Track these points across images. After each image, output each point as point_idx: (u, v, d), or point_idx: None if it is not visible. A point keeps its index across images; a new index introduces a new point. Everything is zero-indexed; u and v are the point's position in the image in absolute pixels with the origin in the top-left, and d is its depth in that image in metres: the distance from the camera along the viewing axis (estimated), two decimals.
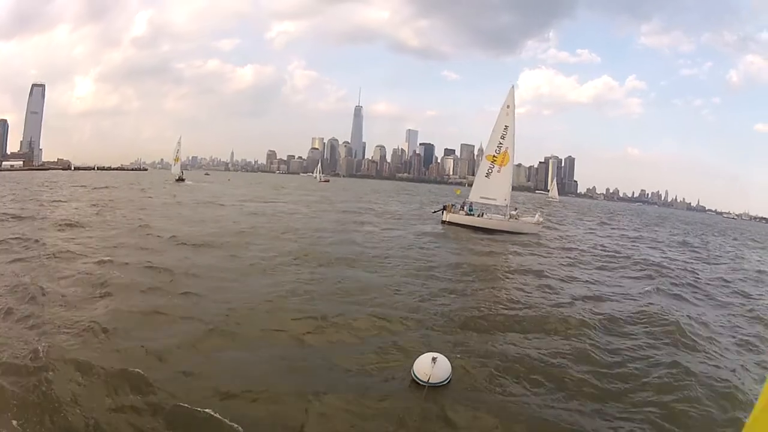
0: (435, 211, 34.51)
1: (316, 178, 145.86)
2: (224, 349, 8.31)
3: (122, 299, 10.52)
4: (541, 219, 33.23)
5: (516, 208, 33.07)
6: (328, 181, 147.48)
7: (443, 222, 31.00)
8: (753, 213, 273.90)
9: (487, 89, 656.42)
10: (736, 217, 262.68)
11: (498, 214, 32.26)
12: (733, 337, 11.51)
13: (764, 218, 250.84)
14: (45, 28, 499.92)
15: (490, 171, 31.41)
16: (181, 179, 78.74)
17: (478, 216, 31.39)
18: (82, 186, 56.96)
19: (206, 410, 6.18)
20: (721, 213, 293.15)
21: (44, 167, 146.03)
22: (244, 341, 8.71)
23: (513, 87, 32.06)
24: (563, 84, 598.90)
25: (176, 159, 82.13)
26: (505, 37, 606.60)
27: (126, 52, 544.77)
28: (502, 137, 31.30)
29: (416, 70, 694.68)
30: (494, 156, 31.44)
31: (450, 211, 31.38)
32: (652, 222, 72.52)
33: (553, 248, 25.37)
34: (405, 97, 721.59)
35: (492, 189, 31.25)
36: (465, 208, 31.84)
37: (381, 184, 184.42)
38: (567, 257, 22.41)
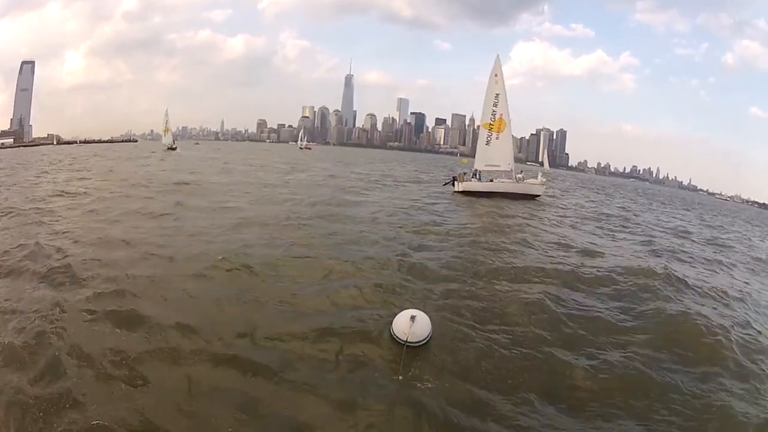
0: (445, 184, 34.89)
1: (298, 146, 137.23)
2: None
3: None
4: (543, 180, 34.60)
5: (521, 171, 33.90)
6: (309, 148, 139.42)
7: (455, 192, 31.53)
8: (745, 196, 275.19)
9: (479, 60, 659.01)
10: (728, 198, 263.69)
11: (505, 178, 32.97)
12: None
13: (756, 202, 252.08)
14: (36, 5, 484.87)
15: (489, 138, 32.30)
16: (172, 148, 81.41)
17: (489, 182, 32.21)
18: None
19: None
20: (713, 194, 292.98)
21: (34, 143, 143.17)
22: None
23: (498, 56, 32.83)
24: (557, 57, 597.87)
25: (166, 130, 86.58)
26: (499, 9, 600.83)
27: (117, 25, 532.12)
28: (495, 105, 32.19)
29: (408, 41, 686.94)
30: (490, 124, 32.21)
31: (462, 180, 31.90)
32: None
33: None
34: (397, 67, 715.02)
35: (494, 155, 32.18)
36: (477, 175, 32.47)
37: (371, 153, 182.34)
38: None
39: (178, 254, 11.18)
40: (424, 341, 7.23)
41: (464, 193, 30.93)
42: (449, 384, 6.35)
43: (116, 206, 17.92)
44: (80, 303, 8.02)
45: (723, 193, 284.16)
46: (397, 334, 7.23)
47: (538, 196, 33.27)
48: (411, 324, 7.17)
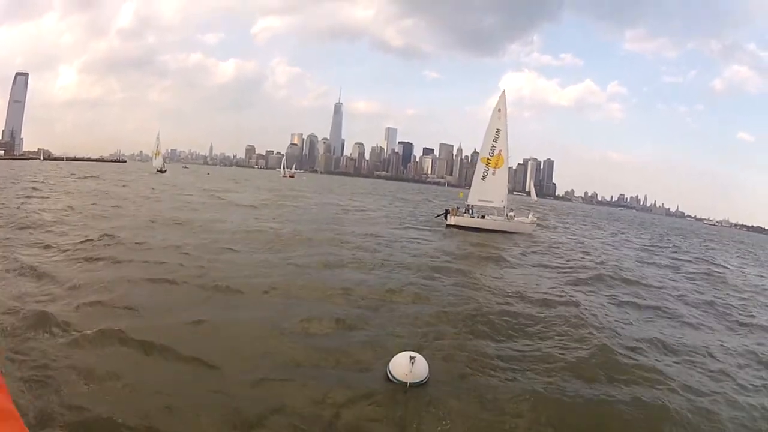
0: (437, 216, 34.40)
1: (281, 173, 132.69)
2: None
3: None
4: (534, 219, 34.07)
5: (512, 209, 33.44)
6: (292, 176, 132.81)
7: (448, 226, 30.93)
8: (733, 220, 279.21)
9: (468, 90, 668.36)
10: (716, 223, 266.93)
11: (496, 215, 32.59)
12: None
13: (745, 225, 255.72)
14: (33, 15, 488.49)
15: (485, 174, 31.91)
16: (161, 171, 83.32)
17: (480, 218, 31.75)
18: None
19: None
20: (701, 219, 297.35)
21: (24, 157, 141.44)
22: None
23: (504, 92, 33.04)
24: (545, 87, 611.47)
25: (156, 153, 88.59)
26: (488, 39, 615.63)
27: (112, 42, 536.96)
28: (495, 140, 31.95)
29: (398, 69, 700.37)
30: (488, 158, 31.95)
31: (454, 215, 31.44)
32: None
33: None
34: (386, 96, 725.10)
35: (489, 191, 31.78)
36: (470, 211, 32.10)
37: (357, 182, 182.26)
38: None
39: None
40: (424, 382, 7.27)
41: (456, 227, 30.41)
42: (455, 422, 6.40)
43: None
44: None
45: (711, 219, 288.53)
46: (396, 376, 7.23)
47: (529, 234, 32.31)
48: (411, 365, 7.16)
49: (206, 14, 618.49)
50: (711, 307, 15.52)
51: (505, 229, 31.04)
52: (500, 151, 31.90)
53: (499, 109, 32.24)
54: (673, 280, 20.70)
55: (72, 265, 12.54)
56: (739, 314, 15.18)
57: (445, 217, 32.01)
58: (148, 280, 11.49)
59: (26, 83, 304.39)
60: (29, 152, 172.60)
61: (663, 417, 7.09)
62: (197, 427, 5.87)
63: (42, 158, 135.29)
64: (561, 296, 14.01)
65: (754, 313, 15.68)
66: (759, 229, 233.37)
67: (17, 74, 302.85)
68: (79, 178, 53.45)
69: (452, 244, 24.35)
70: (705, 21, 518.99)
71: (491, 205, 32.22)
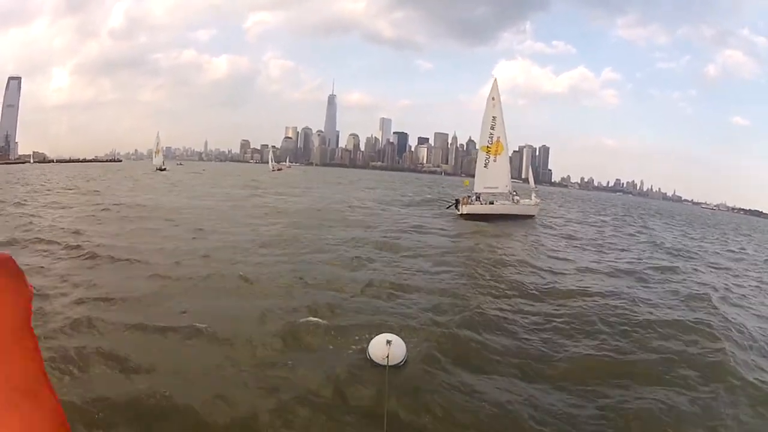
0: (448, 207, 34.61)
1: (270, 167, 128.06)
2: None
3: None
4: (538, 200, 35.25)
5: (515, 191, 34.10)
6: (280, 169, 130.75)
7: (461, 215, 31.09)
8: (731, 204, 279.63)
9: (461, 79, 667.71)
10: (714, 207, 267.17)
11: (503, 200, 32.94)
12: None
13: (743, 209, 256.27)
14: (24, 21, 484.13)
15: (487, 161, 32.34)
16: (161, 169, 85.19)
17: (489, 204, 32.09)
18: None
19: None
20: (698, 203, 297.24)
21: (20, 161, 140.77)
22: None
23: (495, 80, 33.72)
24: (539, 74, 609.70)
25: (157, 151, 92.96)
26: (481, 28, 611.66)
27: (103, 43, 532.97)
28: (492, 128, 32.39)
29: (391, 60, 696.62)
30: (488, 147, 32.31)
31: (466, 203, 31.59)
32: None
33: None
34: (379, 87, 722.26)
35: (492, 178, 32.22)
36: (480, 198, 32.42)
37: (352, 173, 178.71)
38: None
39: None
40: (401, 363, 7.51)
41: (469, 215, 30.52)
42: (429, 403, 6.56)
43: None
44: None
45: (708, 203, 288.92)
46: (374, 358, 7.49)
47: (533, 216, 33.73)
48: (388, 347, 7.39)
49: (197, 11, 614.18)
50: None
51: (514, 213, 31.69)
52: (498, 137, 32.33)
53: (493, 98, 32.75)
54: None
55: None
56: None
57: (456, 207, 32.23)
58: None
59: (19, 87, 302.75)
60: (24, 156, 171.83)
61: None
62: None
63: (33, 161, 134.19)
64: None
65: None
66: (757, 213, 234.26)
67: (10, 78, 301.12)
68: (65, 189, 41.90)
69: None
70: (695, 7, 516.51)
71: (496, 191, 32.68)
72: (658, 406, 6.83)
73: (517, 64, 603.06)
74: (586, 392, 7.25)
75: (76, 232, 17.28)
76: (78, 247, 14.70)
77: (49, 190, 38.39)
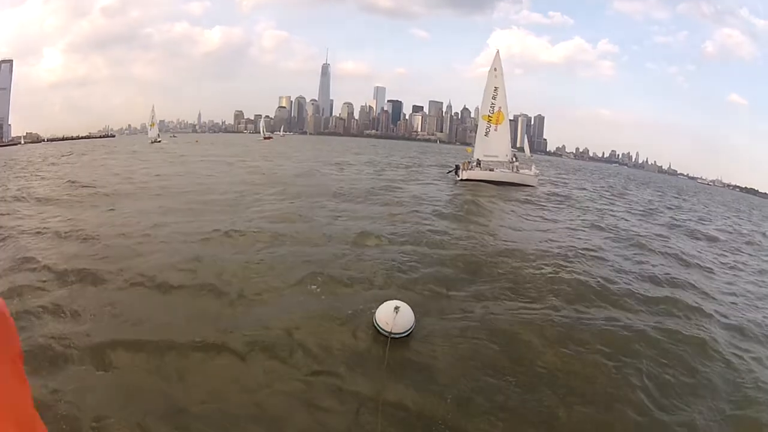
0: (449, 172, 35.82)
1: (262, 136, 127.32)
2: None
3: None
4: (537, 171, 36.18)
5: (516, 158, 35.26)
6: (270, 138, 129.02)
7: (461, 180, 32.27)
8: (726, 180, 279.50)
9: (457, 47, 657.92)
10: (710, 183, 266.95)
11: (503, 167, 34.11)
12: None
13: (738, 186, 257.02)
14: (17, 2, 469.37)
15: (488, 130, 33.63)
16: (157, 141, 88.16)
17: (489, 170, 33.18)
18: None
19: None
20: (694, 178, 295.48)
21: (13, 143, 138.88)
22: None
23: (498, 51, 34.37)
24: (535, 44, 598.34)
25: (152, 125, 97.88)
26: None
27: (95, 21, 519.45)
28: (494, 98, 33.54)
29: (386, 29, 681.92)
30: (489, 116, 33.59)
31: (466, 169, 32.79)
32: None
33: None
34: (374, 56, 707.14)
35: (493, 146, 33.52)
36: (480, 165, 33.57)
37: (345, 141, 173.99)
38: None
39: None
40: (408, 333, 7.15)
41: (468, 180, 31.80)
42: (433, 376, 6.30)
43: None
44: None
45: (705, 177, 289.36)
46: (381, 326, 7.13)
47: (533, 186, 34.56)
48: (395, 315, 7.06)
49: None
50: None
51: (513, 181, 32.56)
52: (500, 108, 33.50)
53: (495, 69, 33.66)
54: None
55: None
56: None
57: (456, 173, 33.54)
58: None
59: (11, 70, 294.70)
60: (17, 138, 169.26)
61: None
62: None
63: (24, 142, 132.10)
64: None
65: None
66: (752, 191, 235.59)
67: (1, 62, 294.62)
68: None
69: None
70: None
71: (496, 159, 33.80)
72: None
73: (513, 33, 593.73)
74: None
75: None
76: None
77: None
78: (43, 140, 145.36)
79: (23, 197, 19.13)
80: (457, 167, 33.94)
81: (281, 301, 8.32)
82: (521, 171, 34.43)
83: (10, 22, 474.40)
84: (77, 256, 10.50)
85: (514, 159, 34.86)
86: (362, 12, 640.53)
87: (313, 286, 8.91)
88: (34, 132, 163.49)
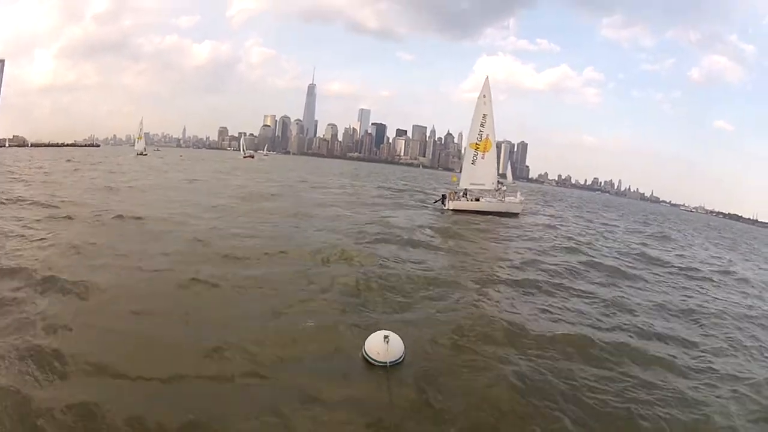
0: (435, 201, 35.04)
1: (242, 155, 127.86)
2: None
3: None
4: (522, 198, 36.35)
5: (503, 184, 35.49)
6: (252, 157, 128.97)
7: (447, 210, 31.77)
8: (709, 207, 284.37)
9: (442, 72, 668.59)
10: (693, 209, 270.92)
11: (488, 196, 34.05)
12: None
13: (722, 213, 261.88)
14: (9, 1, 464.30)
15: (475, 158, 33.08)
16: (143, 154, 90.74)
17: (475, 200, 33.06)
18: None
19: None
20: (676, 205, 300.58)
21: (1, 144, 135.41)
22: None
23: (487, 78, 34.23)
24: (520, 71, 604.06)
25: (139, 137, 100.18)
26: (464, 22, 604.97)
27: (87, 27, 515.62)
28: (482, 125, 33.10)
29: (372, 51, 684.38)
30: (477, 143, 33.12)
31: (453, 199, 32.38)
32: None
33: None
34: (360, 77, 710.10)
35: (479, 174, 33.02)
36: (467, 195, 33.17)
37: (327, 163, 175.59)
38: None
39: None
40: (399, 360, 7.28)
41: (455, 211, 31.40)
42: (429, 399, 6.47)
43: None
44: None
45: (687, 205, 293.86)
46: (372, 356, 7.22)
47: (518, 214, 34.65)
48: (386, 344, 7.16)
49: None
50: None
51: (499, 210, 32.54)
52: (487, 135, 33.11)
53: (484, 95, 33.35)
54: None
55: None
56: None
57: (443, 203, 32.95)
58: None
59: (2, 70, 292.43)
60: (3, 140, 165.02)
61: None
62: None
63: (8, 145, 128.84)
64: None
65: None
66: (735, 217, 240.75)
67: None
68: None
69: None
70: (683, 11, 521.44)
71: (483, 187, 33.52)
72: None
73: (500, 59, 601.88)
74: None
75: None
76: None
77: None
78: (27, 145, 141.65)
79: None
80: (444, 197, 33.42)
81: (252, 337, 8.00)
82: (507, 199, 34.48)
83: (3, 21, 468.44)
84: None
85: (500, 186, 34.78)
86: (349, 33, 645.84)
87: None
88: (20, 135, 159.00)
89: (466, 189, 33.31)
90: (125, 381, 6.35)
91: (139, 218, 17.71)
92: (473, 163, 33.18)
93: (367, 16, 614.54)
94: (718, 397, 7.56)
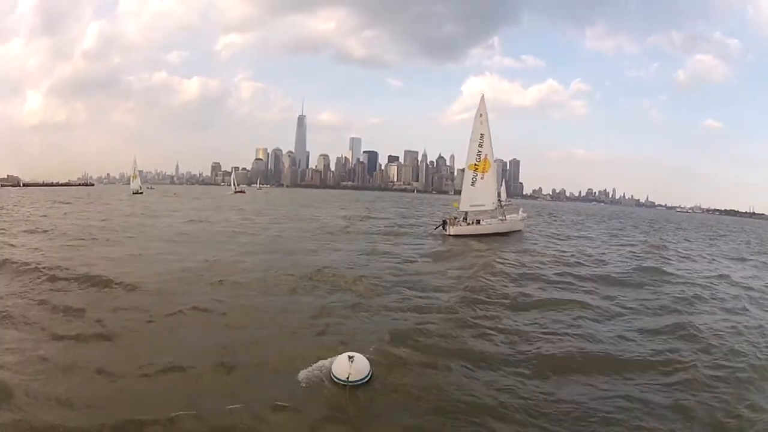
0: (436, 228, 33.52)
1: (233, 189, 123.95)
2: None
3: None
4: (524, 215, 35.68)
5: (503, 203, 34.87)
6: (243, 192, 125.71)
7: (448, 236, 30.64)
8: (705, 206, 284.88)
9: (431, 96, 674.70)
10: (689, 210, 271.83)
11: (488, 217, 33.37)
12: None
13: (717, 210, 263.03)
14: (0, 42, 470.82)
15: (474, 179, 32.14)
16: (138, 192, 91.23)
17: (476, 223, 32.17)
18: None
19: None
20: (672, 208, 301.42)
21: None
22: None
23: (483, 96, 33.30)
24: (508, 89, 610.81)
25: (134, 176, 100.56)
26: (450, 45, 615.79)
27: (77, 65, 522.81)
28: (480, 145, 32.30)
29: (360, 80, 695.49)
30: (476, 164, 32.24)
31: (453, 224, 31.34)
32: None
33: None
34: (349, 106, 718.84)
35: (479, 196, 32.09)
36: (467, 219, 32.22)
37: (321, 194, 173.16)
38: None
39: None
40: (365, 380, 7.39)
41: (456, 236, 30.26)
42: (396, 418, 6.62)
43: None
44: None
45: (683, 206, 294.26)
46: (338, 376, 7.33)
47: (521, 230, 33.96)
48: (350, 364, 7.32)
49: (169, 33, 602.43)
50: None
51: (502, 231, 31.89)
52: (486, 155, 32.33)
53: (480, 114, 32.59)
54: None
55: None
56: None
57: (444, 228, 31.76)
58: None
59: None
60: None
61: None
62: None
63: (1, 186, 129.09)
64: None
65: None
66: (732, 212, 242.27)
67: None
68: None
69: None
70: (664, 14, 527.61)
71: (483, 208, 32.64)
72: None
73: (487, 79, 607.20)
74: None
75: None
76: None
77: None
78: (20, 185, 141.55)
79: None
80: (444, 222, 32.28)
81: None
82: (509, 217, 33.73)
83: None
84: None
85: (500, 204, 34.12)
86: (337, 62, 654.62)
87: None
88: (13, 174, 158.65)
89: (466, 212, 32.38)
90: None
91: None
92: (473, 184, 32.19)
93: (353, 46, 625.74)
94: None
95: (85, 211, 43.24)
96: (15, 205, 49.81)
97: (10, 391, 6.89)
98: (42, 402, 6.71)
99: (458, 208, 32.90)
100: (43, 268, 14.98)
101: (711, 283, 18.74)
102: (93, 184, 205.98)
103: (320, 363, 7.91)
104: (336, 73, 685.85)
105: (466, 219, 32.24)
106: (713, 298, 15.74)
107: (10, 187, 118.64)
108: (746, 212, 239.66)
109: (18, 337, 9.19)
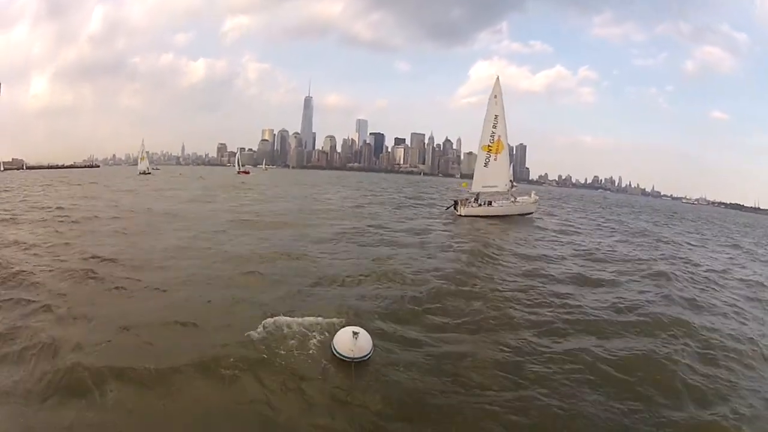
0: (447, 208, 34.25)
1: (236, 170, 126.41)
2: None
3: None
4: (536, 198, 35.64)
5: (515, 185, 35.01)
6: (247, 173, 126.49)
7: (459, 216, 31.02)
8: (711, 198, 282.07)
9: (438, 79, 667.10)
10: (694, 202, 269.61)
11: (501, 199, 33.47)
12: None
13: (723, 203, 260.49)
14: (4, 26, 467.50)
15: (487, 160, 32.37)
16: (146, 173, 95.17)
17: (488, 204, 32.36)
18: None
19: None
20: (678, 198, 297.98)
21: None
22: None
23: (498, 78, 33.25)
24: (515, 74, 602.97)
25: (142, 158, 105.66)
26: (457, 29, 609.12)
27: (82, 49, 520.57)
28: (494, 126, 32.47)
29: (368, 63, 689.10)
30: (489, 146, 32.39)
31: (465, 206, 31.67)
32: None
33: None
34: (356, 89, 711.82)
35: (491, 177, 32.36)
36: (479, 200, 32.45)
37: (323, 174, 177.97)
38: None
39: None
40: (368, 356, 7.40)
41: (467, 217, 30.64)
42: (399, 393, 6.67)
43: None
44: None
45: (689, 197, 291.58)
46: (341, 352, 7.29)
47: (532, 213, 34.14)
48: (354, 341, 7.26)
49: (175, 16, 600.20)
50: None
51: (513, 213, 32.11)
52: (499, 136, 32.46)
53: (495, 96, 32.66)
54: None
55: None
56: None
57: (455, 208, 32.15)
58: None
59: None
60: (3, 163, 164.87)
61: None
62: None
63: (3, 168, 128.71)
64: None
65: None
66: (737, 206, 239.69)
67: None
68: None
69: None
70: (672, 4, 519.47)
71: (495, 189, 32.85)
72: None
73: (494, 63, 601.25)
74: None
75: None
76: None
77: None
78: (23, 168, 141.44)
79: None
80: (456, 203, 32.65)
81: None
82: (520, 199, 33.85)
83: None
84: None
85: (512, 186, 34.20)
86: (344, 45, 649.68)
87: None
88: (18, 158, 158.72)
89: (477, 193, 32.58)
90: None
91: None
92: (486, 165, 32.47)
93: (360, 28, 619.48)
94: None
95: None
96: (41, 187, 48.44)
97: None
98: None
99: (467, 189, 33.13)
100: None
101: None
102: (98, 166, 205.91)
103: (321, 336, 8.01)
104: (343, 56, 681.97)
105: (477, 200, 32.42)
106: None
107: (14, 170, 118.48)
108: (751, 207, 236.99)
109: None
